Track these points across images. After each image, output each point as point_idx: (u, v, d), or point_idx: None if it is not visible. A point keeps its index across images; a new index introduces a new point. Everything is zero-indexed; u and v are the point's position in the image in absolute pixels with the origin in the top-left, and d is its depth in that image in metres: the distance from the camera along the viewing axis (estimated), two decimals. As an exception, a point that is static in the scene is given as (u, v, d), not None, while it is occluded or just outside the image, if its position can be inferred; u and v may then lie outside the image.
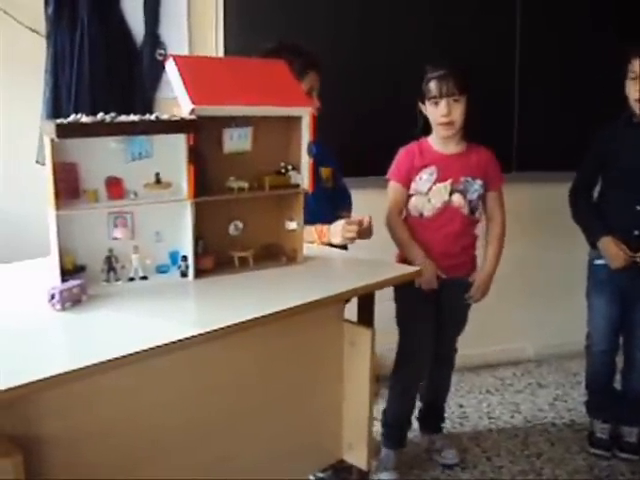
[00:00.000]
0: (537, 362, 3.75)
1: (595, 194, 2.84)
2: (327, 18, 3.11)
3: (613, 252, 2.67)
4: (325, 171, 2.47)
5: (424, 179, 2.51)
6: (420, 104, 2.53)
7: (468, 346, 3.44)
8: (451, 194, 2.51)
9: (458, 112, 2.45)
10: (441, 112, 2.44)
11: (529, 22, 3.42)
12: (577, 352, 3.09)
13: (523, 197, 3.55)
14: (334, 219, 2.26)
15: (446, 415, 2.91)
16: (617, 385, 2.91)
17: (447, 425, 2.96)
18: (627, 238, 2.66)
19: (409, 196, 2.54)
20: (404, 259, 2.54)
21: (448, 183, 2.50)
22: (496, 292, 3.50)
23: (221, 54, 3.02)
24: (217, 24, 3.02)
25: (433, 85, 2.45)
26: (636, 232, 2.66)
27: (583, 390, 3.03)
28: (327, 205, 2.41)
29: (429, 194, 2.51)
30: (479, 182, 2.54)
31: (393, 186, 2.56)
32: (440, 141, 2.53)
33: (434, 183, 2.50)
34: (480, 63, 3.31)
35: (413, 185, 2.52)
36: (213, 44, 3.03)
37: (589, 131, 2.79)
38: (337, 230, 2.22)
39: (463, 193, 2.52)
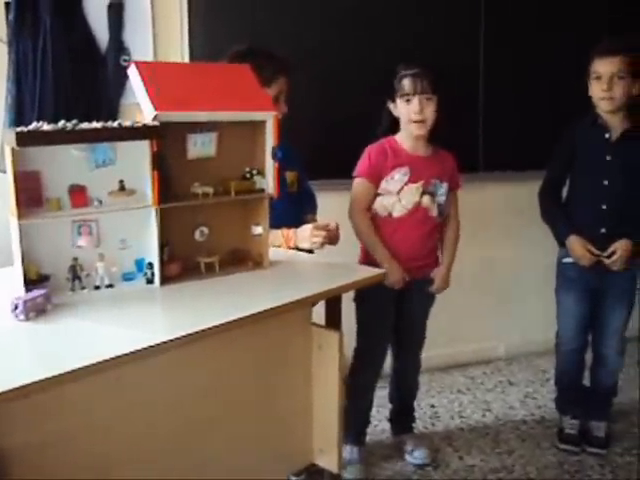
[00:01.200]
0: (507, 360, 3.77)
1: (564, 193, 2.87)
2: (293, 22, 3.11)
3: (580, 252, 2.70)
4: (290, 175, 2.48)
5: (396, 179, 2.51)
6: (389, 103, 2.54)
7: (439, 346, 3.47)
8: (421, 195, 2.52)
9: (430, 110, 2.46)
10: (414, 109, 2.45)
11: (493, 22, 3.44)
12: (547, 350, 3.12)
13: (491, 197, 3.59)
14: (300, 222, 2.27)
15: (417, 415, 2.93)
16: (586, 381, 2.94)
17: (419, 425, 2.97)
18: (594, 236, 2.69)
19: (376, 195, 2.54)
20: (368, 259, 2.56)
21: (420, 184, 2.51)
22: (466, 292, 3.55)
23: (187, 59, 3.00)
24: (182, 29, 3.00)
25: (407, 82, 2.46)
26: (602, 230, 2.69)
27: (553, 387, 3.06)
28: (293, 208, 2.41)
29: (400, 194, 2.51)
30: (445, 185, 2.57)
31: (362, 183, 2.53)
32: (410, 142, 2.54)
33: (406, 183, 2.51)
34: (445, 63, 3.32)
35: (383, 184, 2.52)
36: (178, 50, 3.02)
37: (555, 130, 2.82)
38: (305, 235, 2.22)
39: (432, 195, 2.54)
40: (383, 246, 2.52)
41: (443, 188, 2.57)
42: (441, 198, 2.56)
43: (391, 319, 2.65)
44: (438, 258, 2.68)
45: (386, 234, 2.54)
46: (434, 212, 2.56)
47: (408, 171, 2.51)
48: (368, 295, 2.52)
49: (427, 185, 2.53)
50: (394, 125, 2.55)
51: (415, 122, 2.47)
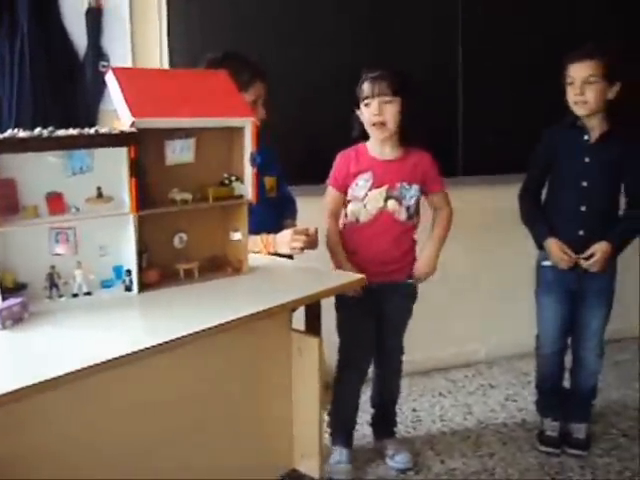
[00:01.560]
0: (488, 363, 3.79)
1: (544, 195, 2.88)
2: (271, 28, 3.12)
3: (557, 255, 2.72)
4: (269, 181, 2.48)
5: (360, 185, 2.53)
6: (356, 110, 2.54)
7: (420, 350, 3.47)
8: (386, 200, 2.53)
9: (390, 113, 2.45)
10: (372, 112, 2.45)
11: (472, 23, 3.47)
12: (528, 352, 3.12)
13: (471, 200, 3.59)
14: (279, 227, 2.27)
15: (399, 419, 2.93)
16: (566, 383, 2.96)
17: (400, 429, 2.97)
18: (572, 238, 2.71)
19: (347, 202, 2.56)
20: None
21: (384, 189, 2.52)
22: (447, 295, 3.56)
23: (166, 65, 2.99)
24: (161, 35, 3.00)
25: (366, 86, 2.46)
26: (580, 232, 2.71)
27: (533, 390, 3.07)
28: (272, 214, 2.41)
29: (365, 200, 2.53)
30: (416, 187, 2.56)
31: (329, 191, 2.59)
32: (377, 146, 2.54)
33: (370, 189, 2.52)
34: (423, 67, 3.36)
35: (350, 191, 2.54)
36: (157, 55, 3.01)
37: (534, 134, 2.84)
38: (285, 240, 2.22)
39: (399, 199, 2.54)
40: (342, 251, 2.55)
41: (413, 190, 2.56)
42: (410, 201, 2.56)
43: (370, 322, 2.65)
44: (415, 260, 2.67)
45: (355, 239, 2.56)
46: (402, 216, 2.56)
47: (371, 176, 2.52)
48: (344, 300, 2.54)
49: (392, 189, 2.53)
50: (365, 131, 2.55)
51: (375, 125, 2.47)
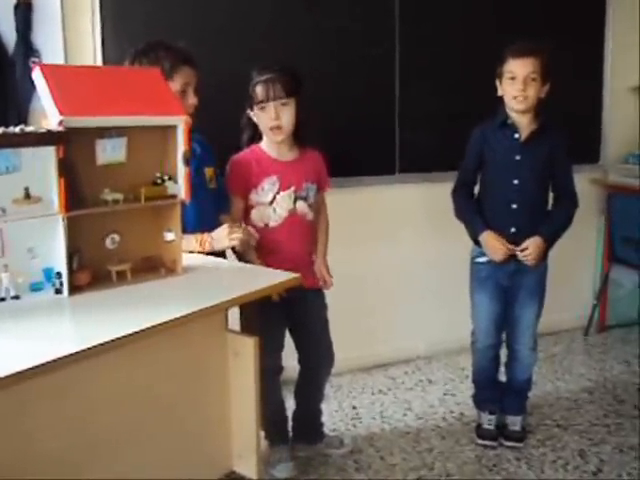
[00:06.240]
0: (427, 359, 3.83)
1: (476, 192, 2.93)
2: (206, 25, 3.09)
3: (494, 245, 2.75)
4: (209, 171, 2.44)
5: (266, 189, 2.49)
6: (249, 111, 2.49)
7: (360, 347, 3.51)
8: (295, 202, 2.52)
9: (287, 116, 2.43)
10: (270, 116, 2.42)
11: (409, 21, 3.50)
12: (466, 347, 3.16)
13: (408, 198, 3.65)
14: (217, 221, 2.25)
15: (339, 417, 2.94)
16: (502, 377, 3.01)
17: (340, 427, 2.99)
18: (504, 235, 2.76)
19: (250, 207, 2.52)
20: None
21: (291, 191, 2.51)
22: (385, 291, 3.59)
23: (100, 62, 2.94)
24: (94, 30, 2.94)
25: (259, 89, 2.42)
26: (512, 229, 2.76)
27: (471, 384, 3.11)
28: (211, 207, 2.38)
29: (273, 204, 2.50)
30: (315, 186, 2.59)
31: (233, 201, 2.53)
32: (274, 148, 2.52)
33: (277, 192, 2.50)
34: (360, 67, 3.38)
35: (254, 197, 2.50)
36: (91, 51, 2.95)
37: (470, 131, 2.88)
38: (223, 234, 2.20)
39: (305, 199, 2.55)
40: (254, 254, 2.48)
41: (314, 189, 2.58)
42: (313, 199, 2.58)
43: (283, 329, 2.63)
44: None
45: (266, 244, 2.50)
46: (309, 216, 2.58)
47: (276, 180, 2.50)
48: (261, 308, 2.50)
49: (299, 190, 2.53)
50: (258, 132, 2.52)
51: (272, 129, 2.44)
